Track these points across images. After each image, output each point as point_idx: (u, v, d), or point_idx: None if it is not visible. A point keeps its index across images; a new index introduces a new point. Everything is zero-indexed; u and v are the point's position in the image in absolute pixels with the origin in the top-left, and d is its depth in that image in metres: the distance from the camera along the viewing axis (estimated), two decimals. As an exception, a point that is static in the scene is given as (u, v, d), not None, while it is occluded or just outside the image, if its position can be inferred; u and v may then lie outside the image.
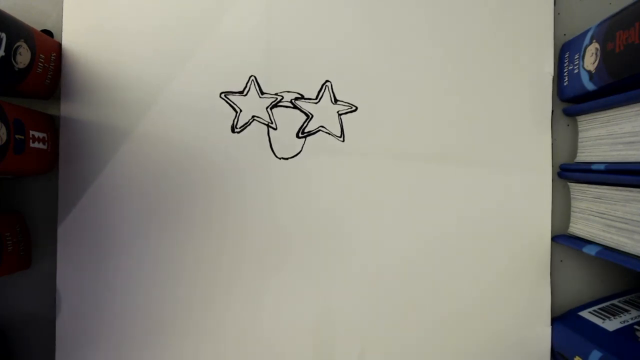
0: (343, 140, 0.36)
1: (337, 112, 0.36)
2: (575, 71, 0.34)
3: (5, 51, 0.29)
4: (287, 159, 0.36)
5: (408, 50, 0.36)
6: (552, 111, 0.36)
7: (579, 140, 0.36)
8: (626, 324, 0.32)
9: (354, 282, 0.36)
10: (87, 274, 0.35)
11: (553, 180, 0.37)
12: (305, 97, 0.36)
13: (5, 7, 0.36)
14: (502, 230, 0.36)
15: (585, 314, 0.34)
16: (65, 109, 0.35)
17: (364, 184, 0.36)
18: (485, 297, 0.36)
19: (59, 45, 0.35)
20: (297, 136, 0.36)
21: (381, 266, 0.36)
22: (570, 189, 0.36)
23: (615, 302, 0.35)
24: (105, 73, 0.35)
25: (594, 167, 0.32)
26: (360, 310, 0.36)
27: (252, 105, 0.36)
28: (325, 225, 0.36)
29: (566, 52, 0.36)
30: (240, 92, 0.36)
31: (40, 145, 0.33)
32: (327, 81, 0.36)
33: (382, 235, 0.36)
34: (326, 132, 0.36)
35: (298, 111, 0.36)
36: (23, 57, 0.31)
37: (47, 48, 0.34)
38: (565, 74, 0.35)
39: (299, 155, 0.36)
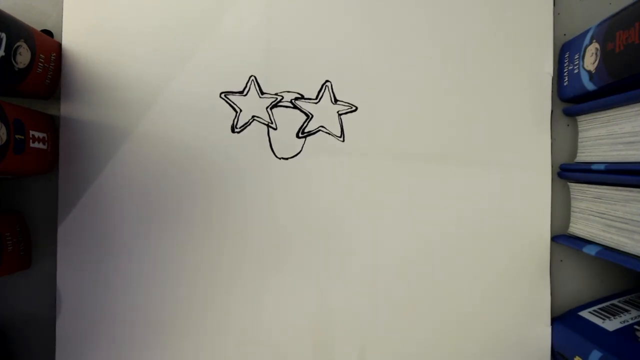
0: (343, 140, 0.36)
1: (337, 112, 0.36)
2: (575, 71, 0.34)
3: (5, 51, 0.29)
4: (287, 159, 0.36)
5: (408, 50, 0.36)
6: (552, 111, 0.36)
7: (579, 140, 0.36)
8: (626, 324, 0.32)
9: (353, 282, 0.36)
10: (87, 274, 0.35)
11: (553, 180, 0.37)
12: (305, 97, 0.36)
13: (5, 7, 0.36)
14: (501, 230, 0.36)
15: (585, 314, 0.34)
16: (65, 109, 0.35)
17: (364, 184, 0.36)
18: (485, 297, 0.36)
19: (59, 45, 0.35)
20: (297, 136, 0.36)
21: (381, 266, 0.36)
22: (570, 189, 0.36)
23: (615, 302, 0.35)
24: (105, 73, 0.35)
25: (594, 167, 0.32)
26: (360, 310, 0.36)
27: (252, 105, 0.36)
28: (325, 225, 0.36)
29: (566, 52, 0.36)
30: (240, 92, 0.36)
31: (40, 145, 0.33)
32: (327, 81, 0.36)
33: (382, 235, 0.36)
34: (326, 132, 0.36)
35: (298, 111, 0.36)
36: (23, 57, 0.31)
37: (47, 48, 0.34)
38: (565, 74, 0.35)
39: (299, 155, 0.36)
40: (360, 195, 0.36)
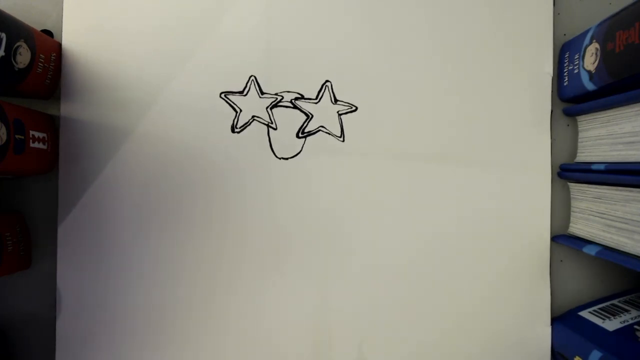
0: (343, 140, 0.36)
1: (337, 112, 0.36)
2: (575, 71, 0.34)
3: (5, 51, 0.29)
4: (287, 159, 0.36)
5: (408, 50, 0.36)
6: (552, 111, 0.36)
7: (579, 140, 0.36)
8: (626, 324, 0.32)
9: (353, 281, 0.36)
10: (87, 274, 0.35)
11: (553, 180, 0.37)
12: (305, 97, 0.36)
13: (5, 7, 0.36)
14: (501, 230, 0.36)
15: (585, 314, 0.34)
16: (65, 109, 0.35)
17: (364, 184, 0.36)
18: (485, 297, 0.36)
19: (59, 45, 0.35)
20: (297, 136, 0.36)
21: (381, 266, 0.36)
22: (570, 189, 0.36)
23: (615, 302, 0.35)
24: (105, 73, 0.35)
25: (594, 167, 0.32)
26: (360, 309, 0.36)
27: (252, 105, 0.36)
28: (325, 225, 0.36)
29: (566, 52, 0.36)
30: (240, 92, 0.36)
31: (40, 145, 0.33)
32: (327, 81, 0.36)
33: (382, 235, 0.36)
34: (326, 132, 0.36)
35: (298, 111, 0.36)
36: (23, 57, 0.31)
37: (47, 48, 0.34)
38: (565, 74, 0.35)
39: (299, 155, 0.36)
40: (360, 195, 0.36)
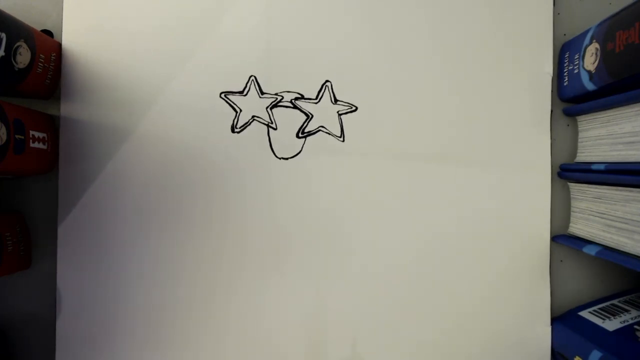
0: (343, 140, 0.36)
1: (337, 112, 0.36)
2: (575, 71, 0.34)
3: (5, 51, 0.29)
4: (287, 159, 0.36)
5: (408, 50, 0.36)
6: (552, 111, 0.36)
7: (579, 140, 0.36)
8: (626, 324, 0.32)
9: (353, 281, 0.36)
10: (87, 274, 0.35)
11: (553, 180, 0.37)
12: (305, 97, 0.36)
13: (5, 7, 0.36)
14: (501, 230, 0.36)
15: (585, 314, 0.34)
16: (65, 109, 0.35)
17: (364, 184, 0.36)
18: (485, 297, 0.36)
19: (59, 45, 0.35)
20: (297, 136, 0.36)
21: (381, 266, 0.36)
22: (570, 189, 0.36)
23: (615, 302, 0.35)
24: (105, 73, 0.35)
25: (594, 167, 0.32)
26: (360, 310, 0.36)
27: (252, 105, 0.36)
28: (325, 225, 0.36)
29: (566, 52, 0.36)
30: (240, 92, 0.36)
31: (40, 145, 0.33)
32: (327, 81, 0.36)
33: (382, 235, 0.36)
34: (326, 132, 0.36)
35: (298, 111, 0.36)
36: (23, 57, 0.31)
37: (47, 48, 0.34)
38: (565, 74, 0.35)
39: (299, 155, 0.36)
40: (360, 195, 0.36)
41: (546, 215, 0.36)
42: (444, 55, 0.36)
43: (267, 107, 0.36)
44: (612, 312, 0.34)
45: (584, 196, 0.34)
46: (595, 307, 0.35)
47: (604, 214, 0.31)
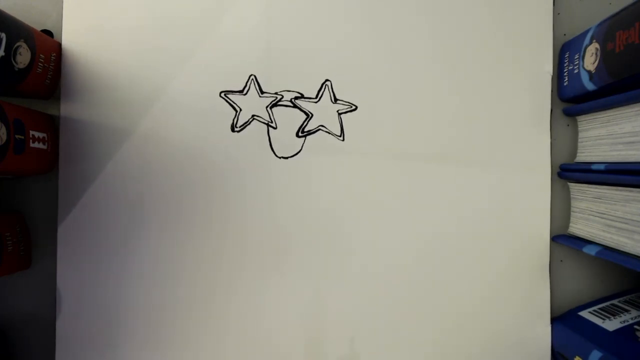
0: (343, 140, 0.36)
1: (337, 111, 0.36)
2: (575, 71, 0.34)
3: (5, 51, 0.29)
4: (287, 158, 0.36)
5: (408, 49, 0.36)
6: (552, 111, 0.36)
7: (579, 140, 0.36)
8: (626, 324, 0.32)
9: (353, 281, 0.36)
10: (87, 274, 0.35)
11: (553, 180, 0.37)
12: (305, 96, 0.36)
13: (5, 7, 0.36)
14: (501, 230, 0.36)
15: (585, 314, 0.34)
16: (65, 109, 0.35)
17: (364, 183, 0.36)
18: (485, 297, 0.36)
19: (59, 45, 0.35)
20: (297, 135, 0.36)
21: (381, 266, 0.36)
22: (570, 189, 0.36)
23: (615, 302, 0.35)
24: (105, 73, 0.35)
25: (594, 167, 0.32)
26: (360, 309, 0.36)
27: (252, 104, 0.36)
28: (325, 225, 0.36)
29: (566, 52, 0.36)
30: (240, 91, 0.36)
31: (40, 145, 0.33)
32: (327, 80, 0.36)
33: (382, 235, 0.36)
34: (326, 132, 0.36)
35: (298, 110, 0.36)
36: (23, 57, 0.31)
37: (47, 48, 0.34)
38: (565, 74, 0.35)
39: (298, 154, 0.36)
40: (360, 195, 0.36)
41: (546, 215, 0.36)
42: (444, 55, 0.36)
43: (267, 106, 0.36)
44: (612, 312, 0.34)
45: (584, 196, 0.34)
46: (595, 307, 0.35)
47: (604, 214, 0.31)
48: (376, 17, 0.36)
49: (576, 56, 0.34)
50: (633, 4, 0.27)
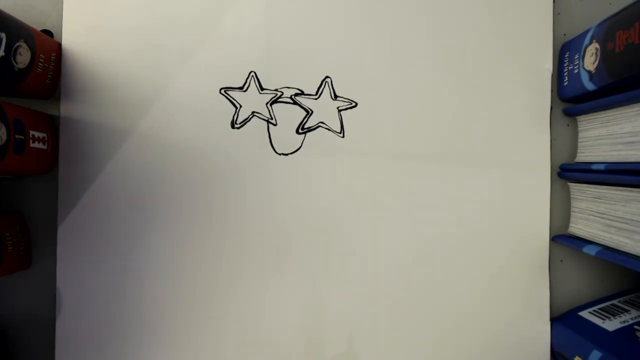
0: (343, 137, 0.36)
1: (337, 108, 0.36)
2: (575, 71, 0.34)
3: (5, 51, 0.29)
4: (287, 154, 0.36)
5: (408, 49, 0.36)
6: (551, 108, 0.36)
7: (579, 140, 0.36)
8: (626, 324, 0.32)
9: (353, 281, 0.36)
10: (87, 274, 0.35)
11: (553, 180, 0.37)
12: (305, 92, 0.36)
13: (5, 7, 0.36)
14: (501, 230, 0.36)
15: (585, 314, 0.34)
16: (65, 109, 0.35)
17: (363, 180, 0.36)
18: (485, 297, 0.36)
19: (59, 45, 0.35)
20: (297, 132, 0.36)
21: (381, 266, 0.36)
22: (570, 189, 0.36)
23: (615, 302, 0.35)
24: (105, 73, 0.35)
25: (594, 167, 0.32)
26: (360, 309, 0.36)
27: (252, 101, 0.36)
28: (325, 223, 0.36)
29: (566, 52, 0.36)
30: (240, 88, 0.36)
31: (40, 145, 0.33)
32: (327, 77, 0.36)
33: (382, 235, 0.36)
34: (326, 128, 0.36)
35: (298, 107, 0.36)
36: (23, 57, 0.31)
37: (47, 48, 0.34)
38: (565, 74, 0.35)
39: (298, 151, 0.36)
40: (360, 193, 0.36)
41: (546, 215, 0.36)
42: (444, 55, 0.36)
43: (267, 103, 0.36)
44: (612, 312, 0.34)
45: (584, 196, 0.34)
46: (595, 307, 0.35)
47: (604, 214, 0.31)
48: (376, 17, 0.36)
49: (576, 56, 0.34)
50: (633, 4, 0.27)
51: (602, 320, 0.33)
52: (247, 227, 0.36)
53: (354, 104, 0.36)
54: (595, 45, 0.31)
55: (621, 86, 0.29)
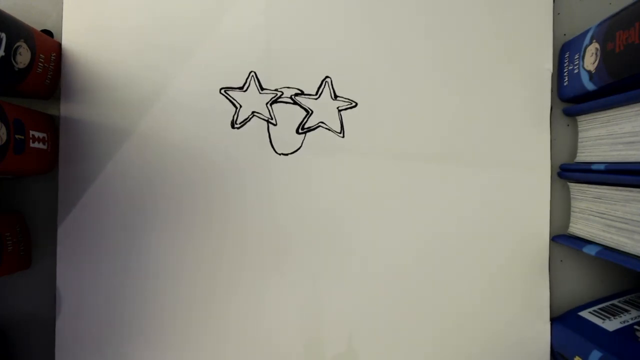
0: (343, 137, 0.36)
1: (337, 107, 0.36)
2: (575, 71, 0.34)
3: (5, 51, 0.29)
4: (287, 154, 0.36)
5: (408, 49, 0.36)
6: (551, 108, 0.36)
7: (579, 140, 0.36)
8: (626, 324, 0.32)
9: (353, 281, 0.36)
10: (87, 274, 0.35)
11: (553, 180, 0.37)
12: (305, 92, 0.36)
13: (5, 7, 0.36)
14: (501, 230, 0.36)
15: (585, 314, 0.34)
16: (65, 109, 0.35)
17: (363, 180, 0.36)
18: (485, 297, 0.36)
19: (59, 45, 0.35)
20: (297, 132, 0.36)
21: (381, 266, 0.36)
22: (570, 189, 0.36)
23: (615, 302, 0.35)
24: (105, 73, 0.35)
25: (594, 167, 0.32)
26: (360, 309, 0.36)
27: (252, 101, 0.36)
28: (325, 223, 0.36)
29: (566, 52, 0.36)
30: (240, 88, 0.36)
31: (40, 145, 0.33)
32: (327, 77, 0.36)
33: (381, 235, 0.36)
34: (326, 128, 0.36)
35: (298, 107, 0.36)
36: (23, 57, 0.31)
37: (47, 48, 0.34)
38: (565, 74, 0.35)
39: (298, 151, 0.36)
40: (360, 193, 0.36)
41: (546, 215, 0.36)
42: (444, 55, 0.36)
43: (267, 103, 0.36)
44: (612, 312, 0.34)
45: (584, 196, 0.34)
46: (595, 307, 0.35)
47: (604, 214, 0.31)
48: (376, 17, 0.36)
49: (576, 56, 0.34)
50: (633, 4, 0.27)
51: (602, 320, 0.33)
52: (247, 227, 0.36)
53: (354, 104, 0.36)
54: (595, 45, 0.31)
55: (621, 86, 0.29)
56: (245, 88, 0.36)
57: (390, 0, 0.36)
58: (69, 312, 0.35)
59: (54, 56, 0.34)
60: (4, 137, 0.29)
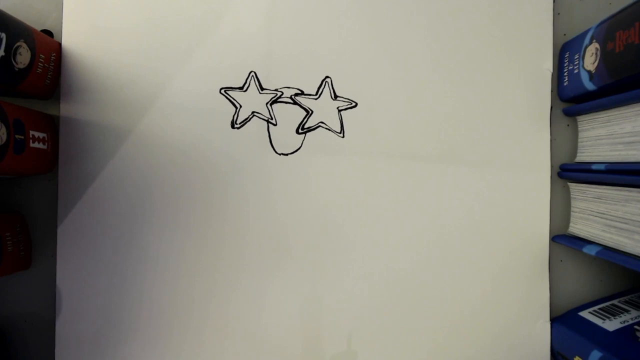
0: (343, 136, 0.36)
1: (337, 108, 0.36)
2: (575, 71, 0.34)
3: (5, 51, 0.29)
4: (287, 154, 0.36)
5: (408, 49, 0.36)
6: (552, 110, 0.36)
7: (579, 140, 0.36)
8: (626, 324, 0.32)
9: (352, 280, 0.36)
10: (87, 274, 0.35)
11: (553, 180, 0.37)
12: (305, 92, 0.36)
13: (5, 7, 0.36)
14: (501, 230, 0.36)
15: (585, 314, 0.34)
16: (65, 109, 0.35)
17: (363, 179, 0.36)
18: (485, 297, 0.36)
19: (59, 45, 0.35)
20: (297, 132, 0.36)
21: (380, 266, 0.36)
22: (570, 189, 0.36)
23: (615, 302, 0.35)
24: (105, 73, 0.35)
25: (594, 167, 0.32)
26: (359, 309, 0.36)
27: (252, 101, 0.36)
28: (325, 223, 0.36)
29: (566, 52, 0.36)
30: (240, 88, 0.36)
31: (40, 145, 0.33)
32: (327, 77, 0.36)
33: (381, 234, 0.36)
34: (326, 128, 0.36)
35: (298, 107, 0.36)
36: (23, 57, 0.31)
37: (47, 48, 0.34)
38: (565, 74, 0.35)
39: (298, 151, 0.36)
40: (360, 192, 0.36)
41: (546, 215, 0.36)
42: (444, 55, 0.36)
43: (267, 103, 0.36)
44: (612, 312, 0.34)
45: (584, 196, 0.34)
46: (595, 307, 0.35)
47: (604, 214, 0.31)
48: (376, 17, 0.36)
49: (576, 56, 0.34)
50: (633, 4, 0.27)
51: (602, 320, 0.33)
52: (247, 226, 0.36)
53: (354, 104, 0.36)
54: (595, 45, 0.31)
55: (621, 86, 0.29)
56: (245, 88, 0.36)
57: (390, 0, 0.36)
58: (69, 312, 0.35)
59: (54, 56, 0.34)
60: (4, 137, 0.29)
